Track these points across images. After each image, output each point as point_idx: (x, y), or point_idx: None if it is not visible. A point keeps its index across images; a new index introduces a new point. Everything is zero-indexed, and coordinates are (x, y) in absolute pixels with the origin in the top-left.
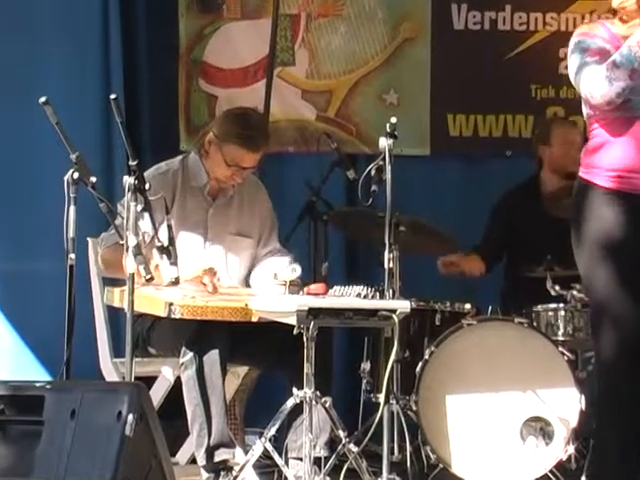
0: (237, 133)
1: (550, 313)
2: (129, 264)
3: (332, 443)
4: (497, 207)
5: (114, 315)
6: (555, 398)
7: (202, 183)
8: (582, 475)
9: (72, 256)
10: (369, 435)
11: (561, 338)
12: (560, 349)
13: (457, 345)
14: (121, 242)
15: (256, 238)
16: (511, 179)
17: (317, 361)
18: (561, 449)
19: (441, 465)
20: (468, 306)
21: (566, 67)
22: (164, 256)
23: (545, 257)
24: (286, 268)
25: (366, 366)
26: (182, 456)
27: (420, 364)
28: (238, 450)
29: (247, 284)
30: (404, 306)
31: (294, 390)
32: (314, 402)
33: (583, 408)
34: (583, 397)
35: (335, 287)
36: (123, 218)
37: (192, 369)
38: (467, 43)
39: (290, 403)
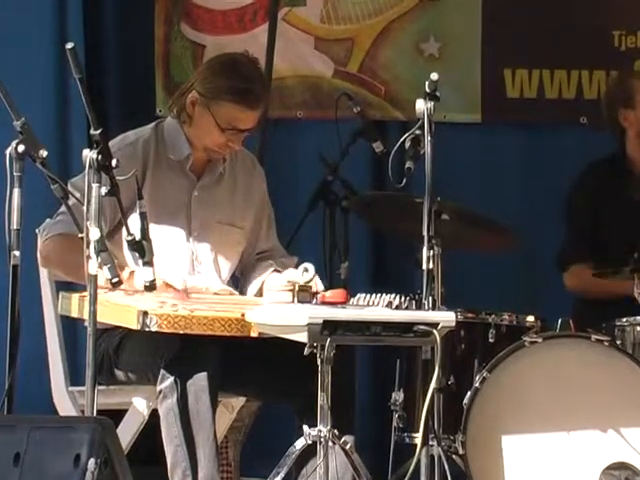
0: (229, 87)
1: (638, 328)
2: (91, 264)
3: None
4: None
5: (71, 329)
6: None
7: (183, 156)
8: None
9: (16, 253)
10: None
11: None
12: None
13: (517, 369)
14: (79, 235)
15: (247, 229)
16: (587, 153)
17: (335, 390)
18: None
19: None
20: (531, 319)
21: None
22: (136, 254)
23: (632, 256)
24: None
25: (398, 397)
26: None
27: (469, 394)
28: None
29: (235, 288)
30: (448, 319)
31: (305, 428)
32: (331, 443)
33: None
34: None
35: (358, 294)
36: (81, 203)
37: (173, 399)
38: None
39: (300, 444)
